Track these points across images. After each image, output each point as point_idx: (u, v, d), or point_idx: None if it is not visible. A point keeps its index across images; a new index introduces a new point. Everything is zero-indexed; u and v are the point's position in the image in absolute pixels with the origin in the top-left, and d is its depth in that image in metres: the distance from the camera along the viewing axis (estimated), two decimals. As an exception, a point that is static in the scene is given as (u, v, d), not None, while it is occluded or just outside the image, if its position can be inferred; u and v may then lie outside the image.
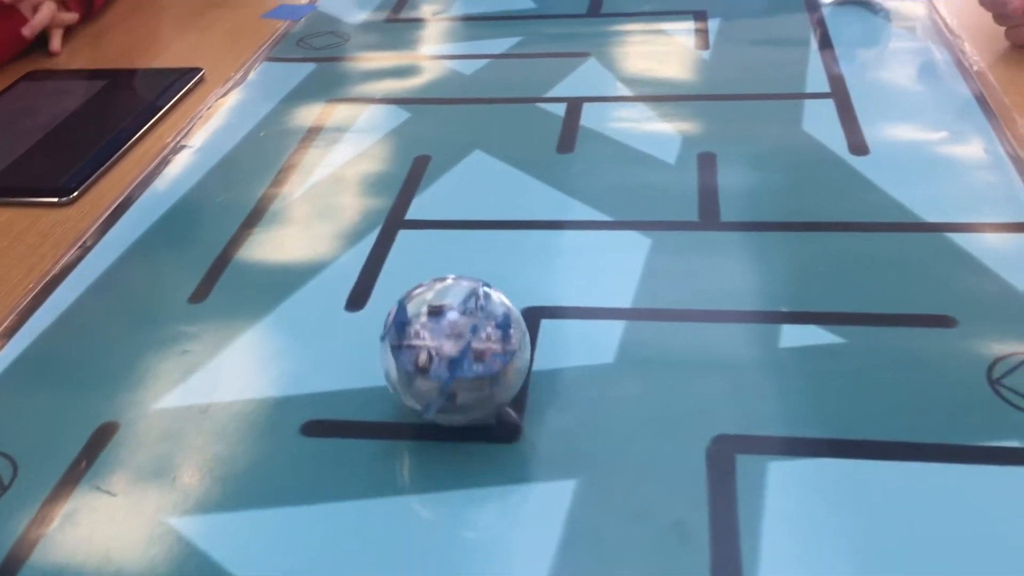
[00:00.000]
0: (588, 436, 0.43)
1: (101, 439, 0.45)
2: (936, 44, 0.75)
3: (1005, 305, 0.48)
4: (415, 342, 0.40)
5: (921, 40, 0.76)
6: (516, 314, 0.41)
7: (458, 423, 0.43)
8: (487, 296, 0.41)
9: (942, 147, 0.62)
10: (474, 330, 0.40)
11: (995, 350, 0.45)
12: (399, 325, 0.40)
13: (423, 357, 0.39)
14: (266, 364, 0.49)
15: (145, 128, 0.73)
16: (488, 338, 0.40)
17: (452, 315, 0.40)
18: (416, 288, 0.42)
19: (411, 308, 0.41)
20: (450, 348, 0.39)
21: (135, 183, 0.66)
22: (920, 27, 0.79)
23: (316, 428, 0.45)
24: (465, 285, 0.41)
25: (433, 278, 0.43)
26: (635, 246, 0.55)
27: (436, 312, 0.40)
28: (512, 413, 0.44)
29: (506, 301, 0.41)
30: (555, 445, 0.43)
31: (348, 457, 0.43)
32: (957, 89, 0.69)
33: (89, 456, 0.44)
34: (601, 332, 0.49)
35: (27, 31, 0.86)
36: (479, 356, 0.39)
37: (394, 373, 0.41)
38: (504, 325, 0.40)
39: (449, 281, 0.42)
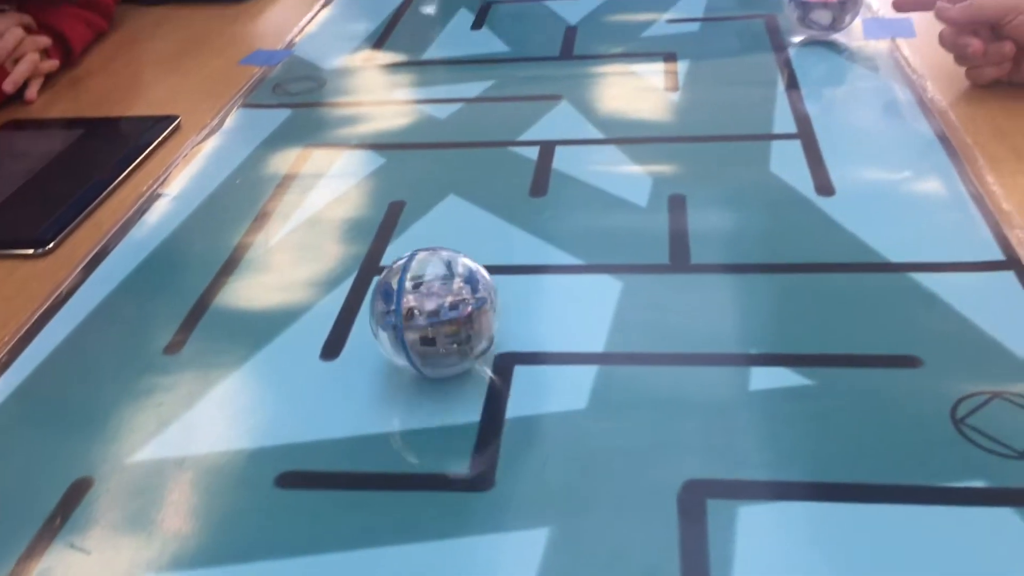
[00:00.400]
0: (561, 483, 0.43)
1: (75, 495, 0.45)
2: (899, 83, 0.77)
3: (969, 344, 0.49)
4: (400, 305, 0.47)
5: (884, 80, 0.78)
6: (483, 272, 0.49)
7: (444, 375, 0.49)
8: (457, 261, 0.48)
9: (906, 187, 0.63)
10: (447, 287, 0.47)
11: (959, 390, 0.46)
12: (385, 295, 0.47)
13: (406, 312, 0.46)
14: (241, 415, 0.49)
15: (122, 177, 0.74)
16: (459, 291, 0.47)
17: (430, 280, 0.47)
18: (396, 262, 0.48)
19: (394, 281, 0.47)
20: (430, 304, 0.47)
21: (111, 233, 0.66)
22: (883, 66, 0.80)
23: (291, 480, 0.45)
24: (441, 255, 0.48)
25: (412, 251, 0.48)
26: (607, 290, 0.56)
27: (417, 281, 0.47)
28: (488, 371, 0.50)
29: (473, 264, 0.49)
30: (528, 493, 0.43)
31: (323, 509, 0.43)
32: (920, 128, 0.70)
33: (64, 512, 0.44)
34: (574, 377, 0.50)
35: (8, 86, 0.87)
36: (453, 305, 0.47)
37: (384, 336, 0.47)
38: (472, 280, 0.48)
39: (423, 254, 0.48)
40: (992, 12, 0.71)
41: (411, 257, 0.48)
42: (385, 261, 0.60)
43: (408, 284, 0.47)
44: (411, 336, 0.47)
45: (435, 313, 0.46)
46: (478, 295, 0.47)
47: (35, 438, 0.49)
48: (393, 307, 0.47)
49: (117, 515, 0.44)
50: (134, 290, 0.61)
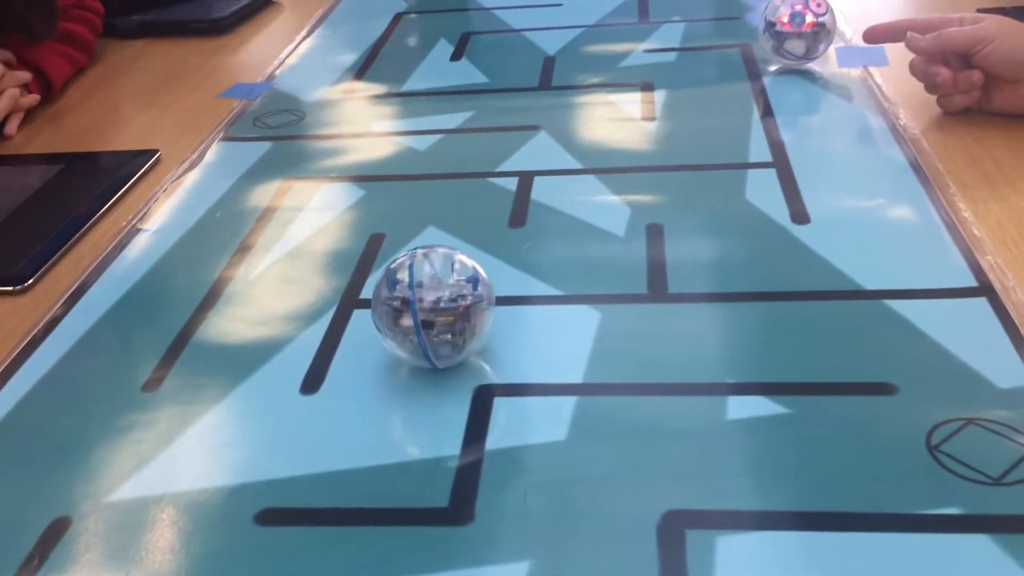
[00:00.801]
0: (541, 515, 0.43)
1: (54, 535, 0.45)
2: (872, 111, 0.78)
3: (942, 371, 0.50)
4: (401, 294, 0.50)
5: (858, 108, 0.79)
6: (482, 272, 0.51)
7: (442, 364, 0.51)
8: (459, 259, 0.51)
9: (880, 214, 0.64)
10: (448, 281, 0.50)
11: (933, 416, 0.47)
12: (390, 284, 0.50)
13: (405, 298, 0.49)
14: (220, 452, 0.49)
15: (101, 212, 0.74)
16: (458, 285, 0.50)
17: (432, 273, 0.50)
18: (399, 258, 0.51)
19: (399, 275, 0.50)
20: (430, 295, 0.49)
21: (90, 269, 0.66)
22: (857, 95, 0.82)
23: (270, 517, 0.45)
24: (441, 252, 0.51)
25: (414, 248, 0.51)
26: (586, 320, 0.56)
27: (420, 273, 0.50)
28: (485, 364, 0.53)
29: (473, 264, 0.51)
30: (509, 526, 0.43)
31: (302, 546, 0.43)
32: (893, 156, 0.71)
33: (42, 553, 0.44)
34: (553, 408, 0.50)
35: None
36: (451, 298, 0.50)
37: (386, 326, 0.50)
38: (474, 280, 0.51)
39: (424, 251, 0.51)
40: (960, 42, 0.72)
41: (415, 252, 0.51)
42: (365, 294, 0.61)
43: (412, 274, 0.50)
44: (407, 322, 0.49)
45: (435, 303, 0.49)
46: (476, 292, 0.50)
47: (13, 477, 0.49)
48: (395, 293, 0.49)
49: (96, 555, 0.44)
50: (113, 326, 0.61)
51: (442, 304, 0.49)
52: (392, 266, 0.51)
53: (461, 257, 0.51)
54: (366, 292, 0.61)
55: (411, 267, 0.50)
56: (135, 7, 1.19)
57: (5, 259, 0.68)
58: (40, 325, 0.61)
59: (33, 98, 0.93)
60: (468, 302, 0.50)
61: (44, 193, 0.78)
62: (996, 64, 0.71)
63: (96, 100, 0.99)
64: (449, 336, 0.50)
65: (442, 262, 0.50)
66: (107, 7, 1.16)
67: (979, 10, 0.79)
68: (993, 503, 0.42)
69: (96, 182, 0.78)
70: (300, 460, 0.48)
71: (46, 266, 0.67)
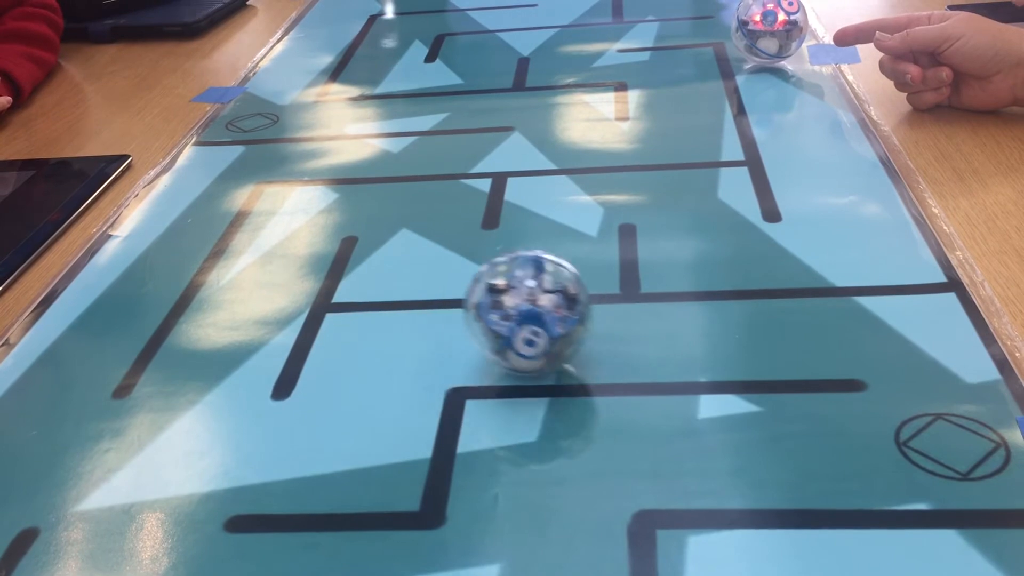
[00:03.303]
0: (512, 518, 0.43)
1: (21, 545, 0.45)
2: (844, 109, 0.79)
3: (912, 366, 0.50)
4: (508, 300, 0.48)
5: (830, 105, 0.80)
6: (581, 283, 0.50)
7: (527, 367, 0.49)
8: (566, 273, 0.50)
9: (850, 211, 0.64)
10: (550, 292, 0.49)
11: (902, 412, 0.47)
12: (490, 291, 0.49)
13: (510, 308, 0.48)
14: (190, 459, 0.49)
15: (71, 218, 0.73)
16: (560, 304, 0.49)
17: (528, 282, 0.49)
18: (497, 264, 0.50)
19: (501, 280, 0.49)
20: (544, 301, 0.48)
21: (59, 276, 0.66)
22: (829, 92, 0.82)
23: (241, 523, 0.45)
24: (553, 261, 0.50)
25: (509, 255, 0.50)
26: (558, 321, 0.56)
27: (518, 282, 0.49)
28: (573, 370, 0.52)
29: (572, 271, 0.50)
30: (479, 528, 0.43)
31: (272, 553, 0.43)
32: (864, 153, 0.71)
33: (8, 564, 0.44)
34: (525, 410, 0.50)
35: None
36: (559, 319, 0.48)
37: (483, 327, 0.49)
38: (578, 282, 0.50)
39: (522, 254, 0.50)
40: (928, 40, 0.73)
41: (521, 258, 0.50)
42: (337, 298, 0.60)
43: (527, 282, 0.49)
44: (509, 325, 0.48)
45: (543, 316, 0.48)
46: (576, 312, 0.49)
47: (-20, 489, 0.49)
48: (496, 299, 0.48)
49: (64, 565, 0.43)
50: (83, 333, 0.60)
51: (550, 325, 0.48)
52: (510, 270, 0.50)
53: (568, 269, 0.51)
54: (338, 297, 0.61)
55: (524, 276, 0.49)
56: (108, 11, 1.18)
57: (-26, 267, 0.67)
58: (8, 333, 0.60)
59: (5, 99, 0.92)
60: (567, 327, 0.49)
61: (14, 200, 0.77)
62: (964, 61, 0.72)
63: (68, 105, 0.98)
64: (544, 352, 0.49)
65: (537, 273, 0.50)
66: (79, 12, 1.15)
67: (950, 7, 0.80)
68: (961, 498, 0.42)
69: (67, 188, 0.78)
70: (271, 466, 0.48)
71: (15, 274, 0.66)
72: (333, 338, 0.57)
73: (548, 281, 0.49)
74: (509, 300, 0.49)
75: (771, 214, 0.65)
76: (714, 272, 0.59)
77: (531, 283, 0.49)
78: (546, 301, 0.49)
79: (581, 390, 0.51)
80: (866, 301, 0.55)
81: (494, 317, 0.48)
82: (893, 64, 0.75)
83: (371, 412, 0.51)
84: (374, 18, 1.14)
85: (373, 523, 0.44)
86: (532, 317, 0.48)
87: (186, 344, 0.58)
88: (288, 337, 0.57)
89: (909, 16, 0.76)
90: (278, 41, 1.09)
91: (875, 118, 0.77)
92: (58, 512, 0.46)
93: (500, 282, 0.49)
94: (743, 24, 0.86)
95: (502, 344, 0.49)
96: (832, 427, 0.47)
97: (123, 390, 0.54)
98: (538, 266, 0.50)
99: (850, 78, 0.84)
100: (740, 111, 0.80)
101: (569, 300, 0.49)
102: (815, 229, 0.63)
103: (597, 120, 0.82)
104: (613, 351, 0.53)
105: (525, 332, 0.48)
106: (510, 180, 0.73)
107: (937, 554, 0.40)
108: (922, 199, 0.65)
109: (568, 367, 0.52)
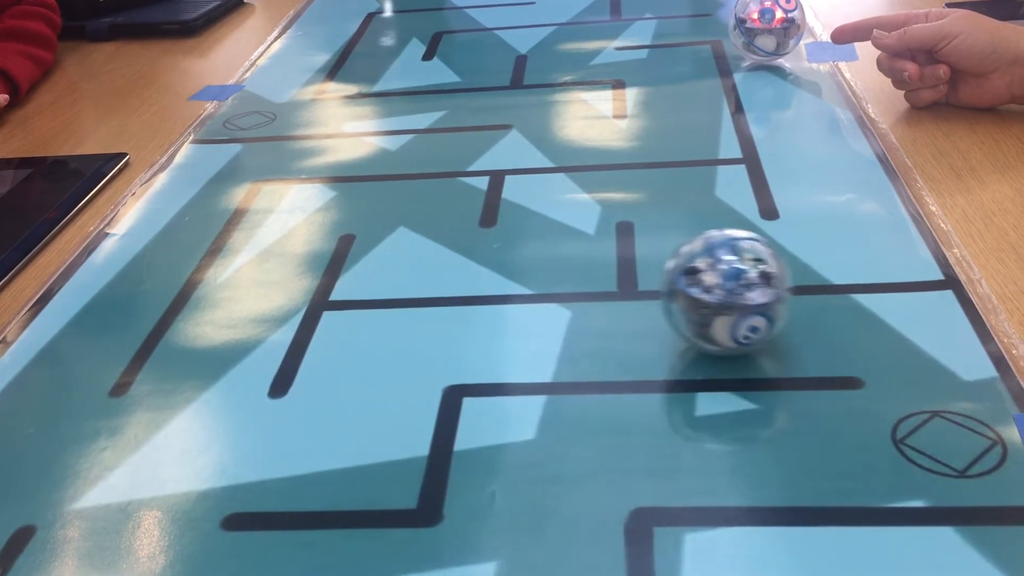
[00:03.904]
0: (509, 515, 0.43)
1: (18, 544, 0.44)
2: (841, 106, 0.79)
3: (908, 364, 0.50)
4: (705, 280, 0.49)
5: (828, 103, 0.80)
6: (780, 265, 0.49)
7: (733, 348, 0.49)
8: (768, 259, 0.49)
9: (848, 209, 0.64)
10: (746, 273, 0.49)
11: (899, 410, 0.47)
12: (688, 271, 0.50)
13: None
14: (187, 457, 0.49)
15: (68, 217, 0.73)
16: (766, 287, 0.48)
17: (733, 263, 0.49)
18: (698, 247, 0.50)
19: (699, 262, 0.49)
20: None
21: (56, 274, 0.66)
22: (826, 90, 0.82)
23: (237, 522, 0.44)
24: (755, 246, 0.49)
25: (704, 239, 0.50)
26: (556, 319, 0.56)
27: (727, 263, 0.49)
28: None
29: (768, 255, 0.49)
30: (476, 526, 0.43)
31: (269, 551, 0.43)
32: (861, 150, 0.71)
33: (5, 563, 0.43)
34: (522, 408, 0.50)
35: None
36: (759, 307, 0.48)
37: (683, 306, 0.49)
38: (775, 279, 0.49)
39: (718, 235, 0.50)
40: (925, 38, 0.73)
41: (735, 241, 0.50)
42: (335, 296, 0.60)
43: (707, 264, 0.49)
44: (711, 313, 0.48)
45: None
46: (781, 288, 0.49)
47: (-23, 487, 0.49)
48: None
49: (61, 563, 0.43)
50: (80, 332, 0.60)
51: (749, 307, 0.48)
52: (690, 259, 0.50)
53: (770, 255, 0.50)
54: (335, 295, 0.61)
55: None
56: (105, 10, 1.18)
57: (-29, 266, 0.67)
58: (5, 332, 0.60)
59: (2, 98, 0.92)
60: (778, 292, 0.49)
61: (11, 198, 0.77)
62: (961, 58, 0.72)
63: (65, 104, 0.98)
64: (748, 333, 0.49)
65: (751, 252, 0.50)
66: (77, 10, 1.15)
67: (947, 4, 0.80)
68: (958, 495, 0.42)
69: (64, 186, 0.78)
70: (268, 464, 0.48)
71: (12, 272, 0.66)
72: (330, 336, 0.57)
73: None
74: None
75: (769, 212, 0.65)
76: (711, 270, 0.59)
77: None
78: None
79: (577, 388, 0.51)
80: (863, 299, 0.55)
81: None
82: (891, 62, 0.75)
83: (368, 410, 0.51)
84: (372, 16, 1.14)
85: (370, 521, 0.44)
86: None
87: (183, 342, 0.58)
88: (285, 335, 0.57)
89: (907, 14, 0.76)
90: (275, 39, 1.09)
91: (873, 116, 0.77)
92: (55, 510, 0.46)
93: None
94: (741, 22, 0.86)
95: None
96: (829, 424, 0.47)
97: (120, 388, 0.54)
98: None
99: (848, 76, 0.84)
100: (738, 109, 0.80)
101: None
102: (812, 227, 0.63)
103: (595, 118, 0.82)
104: (609, 349, 0.53)
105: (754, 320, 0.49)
106: (508, 178, 0.73)
107: (934, 551, 0.40)
108: (919, 197, 0.65)
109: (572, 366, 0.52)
